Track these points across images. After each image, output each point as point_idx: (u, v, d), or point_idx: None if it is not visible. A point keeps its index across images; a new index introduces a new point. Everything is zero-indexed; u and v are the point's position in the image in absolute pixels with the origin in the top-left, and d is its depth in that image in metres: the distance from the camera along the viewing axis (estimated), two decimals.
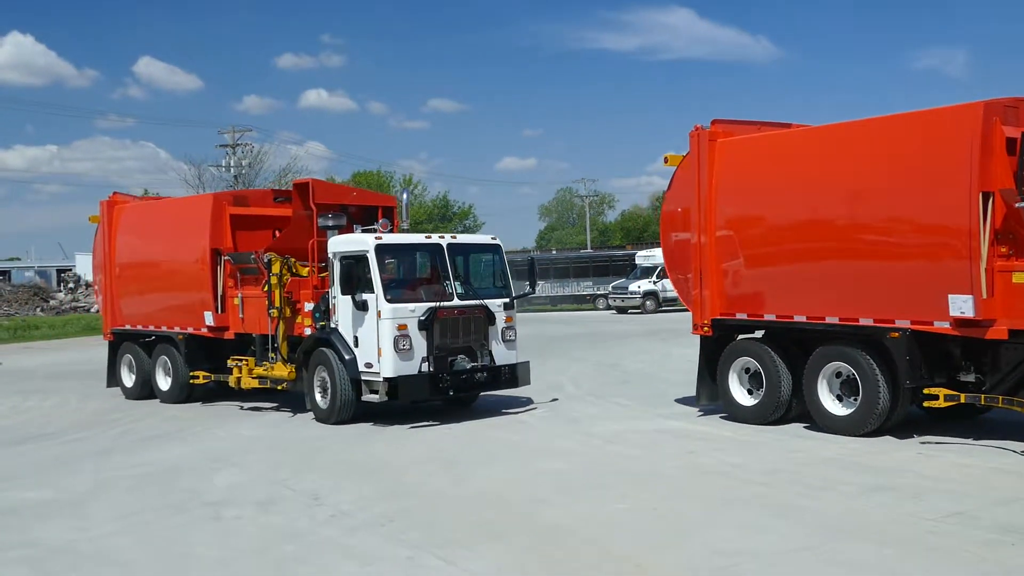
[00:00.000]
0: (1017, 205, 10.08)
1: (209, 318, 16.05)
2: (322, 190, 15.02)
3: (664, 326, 31.59)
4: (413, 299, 13.66)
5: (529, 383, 14.43)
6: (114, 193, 18.68)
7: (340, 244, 13.95)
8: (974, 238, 10.31)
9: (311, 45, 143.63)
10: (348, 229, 14.41)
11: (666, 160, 14.00)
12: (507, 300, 14.39)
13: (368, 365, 13.45)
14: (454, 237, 14.43)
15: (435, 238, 14.28)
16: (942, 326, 10.75)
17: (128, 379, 17.96)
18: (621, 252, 57.87)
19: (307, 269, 14.71)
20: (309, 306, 14.53)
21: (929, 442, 11.05)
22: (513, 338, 14.34)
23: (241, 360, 15.62)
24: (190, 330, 16.52)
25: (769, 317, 12.77)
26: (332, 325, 13.97)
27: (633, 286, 43.90)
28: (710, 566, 6.86)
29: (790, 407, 12.59)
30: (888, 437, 11.34)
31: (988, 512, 7.97)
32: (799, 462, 10.32)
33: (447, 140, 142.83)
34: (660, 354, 22.61)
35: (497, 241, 14.94)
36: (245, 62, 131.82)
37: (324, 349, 13.99)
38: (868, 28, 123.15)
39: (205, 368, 16.46)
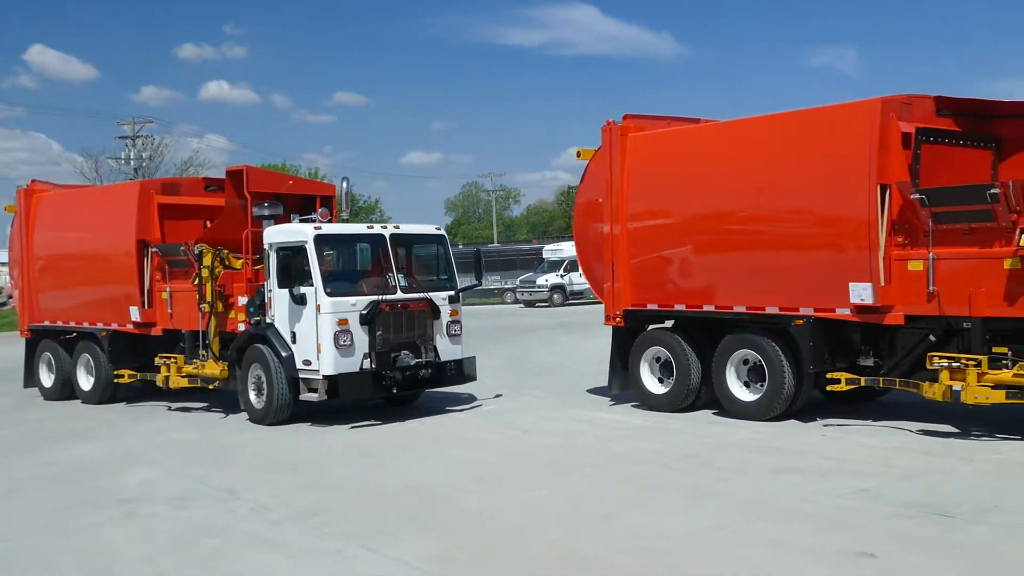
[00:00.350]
0: (912, 197, 10.51)
1: (135, 313, 15.47)
2: (257, 177, 14.36)
3: (572, 319, 32.02)
4: (354, 292, 13.19)
5: (475, 378, 14.07)
6: (32, 181, 17.89)
7: (277, 235, 13.38)
8: (873, 229, 10.79)
9: (213, 35, 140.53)
10: (285, 219, 13.94)
11: (579, 154, 14.24)
12: (452, 293, 13.93)
13: (307, 362, 12.93)
14: (397, 227, 13.89)
15: (377, 228, 13.96)
16: (844, 313, 11.23)
17: (47, 379, 17.27)
18: (528, 246, 58.34)
19: (240, 261, 14.14)
20: (243, 300, 14.01)
21: (832, 424, 11.55)
22: (458, 332, 13.90)
23: (170, 358, 14.99)
24: (114, 326, 15.89)
25: (680, 307, 13.14)
26: (268, 320, 13.43)
27: (541, 280, 44.35)
28: (633, 546, 7.07)
29: (699, 394, 12.98)
30: (793, 421, 11.81)
31: (890, 488, 8.40)
32: (711, 446, 10.67)
33: (352, 134, 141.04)
34: (569, 346, 22.93)
35: (441, 231, 14.60)
36: (144, 52, 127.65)
37: (259, 346, 13.48)
38: (767, 27, 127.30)
39: (131, 366, 15.82)
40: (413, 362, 13.25)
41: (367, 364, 12.87)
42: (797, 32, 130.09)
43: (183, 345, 15.10)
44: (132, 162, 58.48)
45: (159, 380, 15.09)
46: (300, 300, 12.92)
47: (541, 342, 24.65)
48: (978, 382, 9.99)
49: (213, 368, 14.29)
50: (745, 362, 12.39)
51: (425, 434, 12.33)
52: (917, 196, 10.49)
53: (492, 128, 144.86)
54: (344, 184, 14.34)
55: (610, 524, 7.71)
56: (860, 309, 11.04)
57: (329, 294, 12.83)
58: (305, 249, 12.93)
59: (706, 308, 12.83)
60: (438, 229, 14.64)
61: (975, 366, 10.03)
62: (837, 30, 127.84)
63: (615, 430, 11.99)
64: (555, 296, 43.50)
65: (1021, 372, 9.80)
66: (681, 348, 12.97)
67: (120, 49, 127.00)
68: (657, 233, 13.30)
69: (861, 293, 10.98)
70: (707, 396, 12.91)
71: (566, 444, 11.25)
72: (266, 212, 13.77)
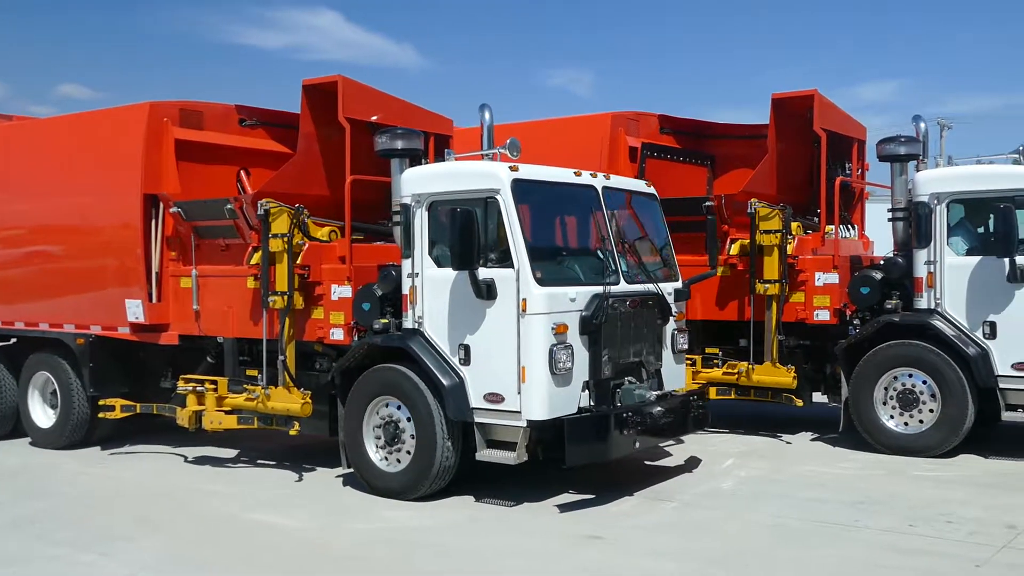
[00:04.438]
0: (172, 210, 10.08)
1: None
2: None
3: None
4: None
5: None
6: None
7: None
8: (139, 243, 10.26)
9: None
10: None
11: None
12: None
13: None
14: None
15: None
16: (124, 331, 10.85)
17: None
18: None
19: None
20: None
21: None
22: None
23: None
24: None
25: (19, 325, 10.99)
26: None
27: None
28: None
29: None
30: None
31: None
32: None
33: None
34: None
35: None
36: None
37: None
38: (508, 48, 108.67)
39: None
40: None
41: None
42: (536, 54, 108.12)
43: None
44: None
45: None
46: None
47: None
48: (217, 407, 9.80)
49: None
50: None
51: None
52: (176, 210, 10.04)
53: None
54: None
55: None
56: (138, 327, 10.56)
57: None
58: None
59: (18, 325, 11.44)
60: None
61: (214, 389, 9.92)
62: (572, 53, 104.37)
63: None
64: None
65: (252, 398, 9.51)
66: None
67: None
68: None
69: (135, 310, 10.47)
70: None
71: None
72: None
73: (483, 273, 7.91)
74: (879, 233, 12.40)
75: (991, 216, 10.12)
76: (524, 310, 7.83)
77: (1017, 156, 10.65)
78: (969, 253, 10.04)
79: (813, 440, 11.11)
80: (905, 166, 10.69)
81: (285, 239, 9.18)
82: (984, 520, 7.58)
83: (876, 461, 9.87)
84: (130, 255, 10.32)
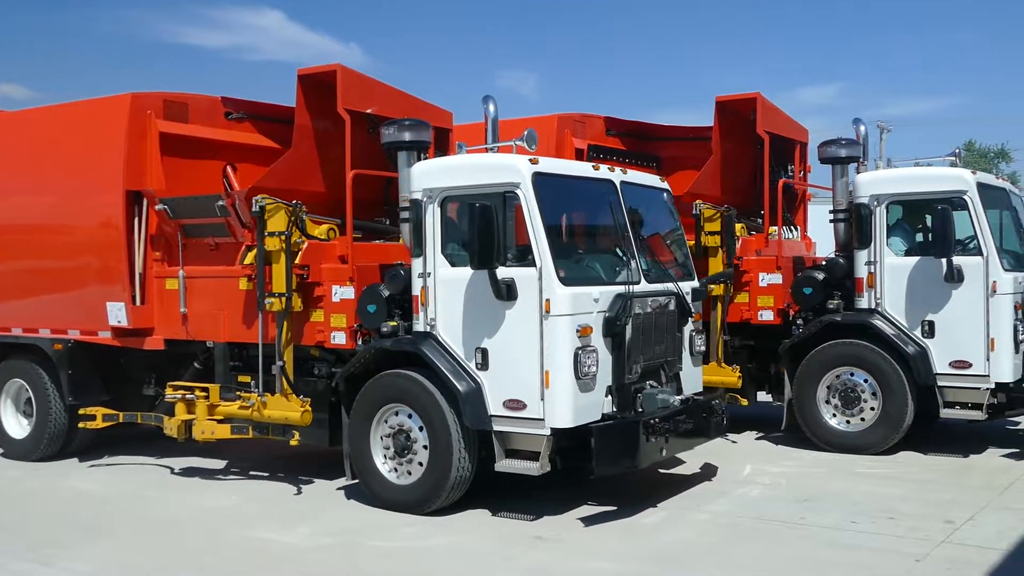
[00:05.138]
0: (157, 207, 9.53)
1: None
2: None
3: None
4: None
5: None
6: None
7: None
8: (122, 242, 9.70)
9: None
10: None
11: None
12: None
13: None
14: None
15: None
16: (105, 336, 10.20)
17: None
18: None
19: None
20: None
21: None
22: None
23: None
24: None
25: None
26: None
27: None
28: None
29: None
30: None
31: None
32: None
33: None
34: None
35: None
36: None
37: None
38: (456, 48, 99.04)
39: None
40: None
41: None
42: (485, 55, 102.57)
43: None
44: None
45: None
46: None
47: None
48: (208, 415, 9.25)
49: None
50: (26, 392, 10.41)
51: None
52: (161, 207, 9.48)
53: None
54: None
55: None
56: (120, 332, 9.92)
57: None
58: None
59: None
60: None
61: (204, 397, 9.32)
62: (519, 54, 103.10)
63: None
64: None
65: (246, 406, 8.96)
66: None
67: None
68: None
69: (117, 314, 9.83)
70: None
71: None
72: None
73: (502, 272, 7.46)
74: (821, 234, 12.64)
75: (929, 217, 10.25)
76: (547, 311, 7.37)
77: (954, 158, 11.04)
78: (908, 254, 10.23)
79: (758, 439, 11.19)
80: (846, 168, 10.75)
81: (283, 237, 8.64)
82: (924, 515, 7.74)
83: (819, 459, 10.02)
84: (112, 255, 9.71)
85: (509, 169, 7.62)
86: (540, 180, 7.54)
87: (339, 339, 8.65)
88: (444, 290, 7.89)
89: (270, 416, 8.81)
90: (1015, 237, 10.56)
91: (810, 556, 6.82)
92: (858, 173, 10.73)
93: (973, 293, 9.72)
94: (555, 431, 7.39)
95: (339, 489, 8.91)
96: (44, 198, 10.32)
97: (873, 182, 10.40)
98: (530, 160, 7.62)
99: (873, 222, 10.20)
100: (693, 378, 8.91)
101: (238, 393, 9.18)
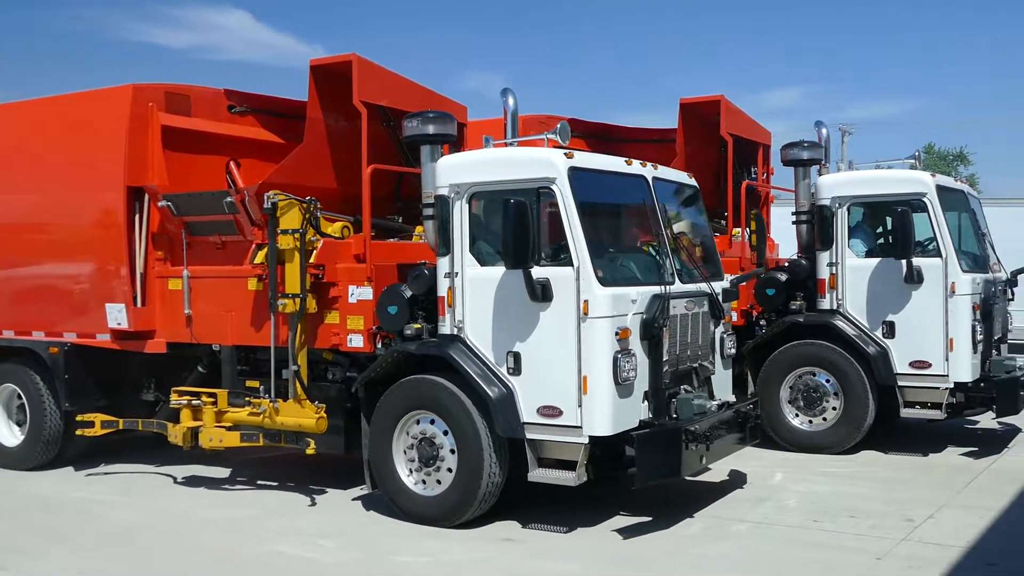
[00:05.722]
0: (160, 204, 9.12)
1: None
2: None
3: None
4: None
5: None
6: None
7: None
8: (122, 239, 9.31)
9: None
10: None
11: None
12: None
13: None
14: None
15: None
16: (104, 339, 9.77)
17: None
18: None
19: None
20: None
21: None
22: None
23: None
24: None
25: None
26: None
27: None
28: None
29: None
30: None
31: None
32: None
33: None
34: None
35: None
36: None
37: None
38: (423, 49, 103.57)
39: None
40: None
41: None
42: (451, 54, 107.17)
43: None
44: None
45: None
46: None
47: None
48: (217, 422, 8.79)
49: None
50: (19, 397, 9.97)
51: None
52: (165, 204, 9.08)
53: None
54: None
55: None
56: (120, 335, 9.51)
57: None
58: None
59: None
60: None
61: (212, 403, 8.86)
62: (486, 56, 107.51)
63: None
64: None
65: (257, 412, 8.54)
66: None
67: None
68: None
69: (117, 316, 9.43)
70: None
71: None
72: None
73: (536, 272, 7.07)
74: (784, 236, 12.76)
75: (889, 219, 10.30)
76: (586, 313, 6.97)
77: (914, 161, 11.11)
78: (869, 255, 10.38)
79: None
80: (808, 170, 10.81)
81: (297, 236, 8.22)
82: (885, 514, 7.81)
83: (782, 458, 10.06)
84: (112, 254, 9.32)
85: (544, 163, 7.23)
86: (576, 175, 7.18)
87: (356, 342, 8.23)
88: (472, 290, 7.48)
89: (283, 423, 8.40)
90: (973, 239, 10.70)
91: (773, 554, 6.85)
92: (820, 175, 10.86)
93: (932, 294, 9.83)
94: (593, 439, 7.03)
95: (355, 499, 8.52)
96: (39, 194, 9.94)
97: (835, 184, 10.53)
98: (565, 154, 7.23)
99: (835, 224, 10.32)
100: (724, 382, 8.54)
101: (247, 399, 8.76)
